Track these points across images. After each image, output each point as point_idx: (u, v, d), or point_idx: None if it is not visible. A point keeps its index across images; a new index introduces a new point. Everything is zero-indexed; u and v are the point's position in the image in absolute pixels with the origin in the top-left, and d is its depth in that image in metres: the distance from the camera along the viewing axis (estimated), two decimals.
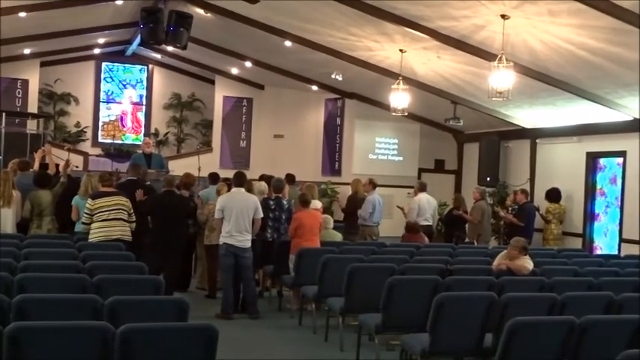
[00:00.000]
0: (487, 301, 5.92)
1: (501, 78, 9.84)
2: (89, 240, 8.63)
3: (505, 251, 8.06)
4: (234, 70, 18.46)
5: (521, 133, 15.40)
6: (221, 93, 19.24)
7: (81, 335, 4.06)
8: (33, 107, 17.72)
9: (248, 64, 16.91)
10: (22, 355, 3.87)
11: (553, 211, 13.33)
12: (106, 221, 8.74)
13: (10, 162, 10.76)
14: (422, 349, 5.86)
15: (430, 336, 5.82)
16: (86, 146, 18.93)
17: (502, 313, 5.79)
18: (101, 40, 17.52)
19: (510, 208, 13.57)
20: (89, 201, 8.90)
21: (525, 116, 14.71)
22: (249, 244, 9.14)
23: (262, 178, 11.94)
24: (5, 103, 17.11)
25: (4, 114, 15.83)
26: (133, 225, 9.00)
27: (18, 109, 17.31)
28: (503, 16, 9.57)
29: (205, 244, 10.48)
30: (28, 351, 3.87)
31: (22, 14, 12.68)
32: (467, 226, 13.41)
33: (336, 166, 18.67)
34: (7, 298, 4.72)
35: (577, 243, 13.50)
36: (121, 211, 8.86)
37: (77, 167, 13.50)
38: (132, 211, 9.00)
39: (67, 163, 10.67)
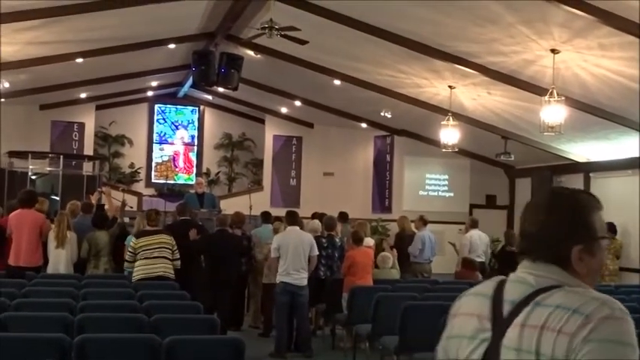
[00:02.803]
0: None
1: (553, 112, 9.77)
2: (132, 278, 8.73)
3: None
4: (284, 110, 18.66)
5: (574, 167, 15.19)
6: (271, 132, 19.45)
7: None
8: (89, 149, 18.17)
9: (297, 103, 17.09)
10: None
11: (609, 246, 13.04)
12: (149, 259, 8.80)
13: (69, 203, 10.99)
14: None
15: None
16: (140, 187, 19.26)
17: None
18: (154, 83, 17.92)
19: None
20: (133, 239, 9.04)
21: (578, 150, 14.52)
22: (305, 282, 9.13)
23: (315, 216, 11.98)
24: (63, 146, 17.63)
25: (61, 157, 16.32)
26: (177, 263, 9.02)
27: (74, 152, 17.78)
28: (553, 51, 9.54)
29: (264, 283, 10.51)
30: None
31: (79, 60, 13.07)
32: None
33: (387, 203, 18.63)
34: (69, 337, 4.82)
35: (635, 279, 13.16)
36: (164, 249, 8.91)
37: (131, 207, 13.76)
38: (175, 248, 9.02)
39: (124, 205, 10.89)
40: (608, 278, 12.83)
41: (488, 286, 1.92)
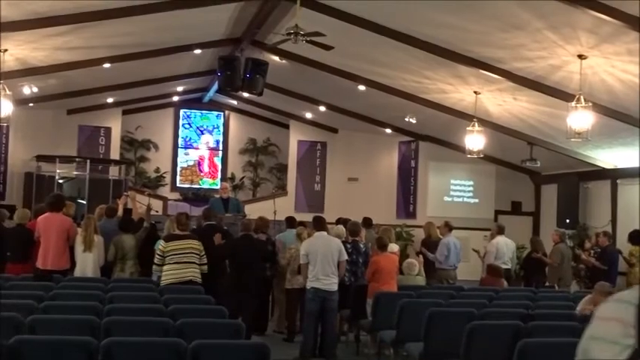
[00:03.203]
0: (572, 349, 5.73)
1: (580, 118, 9.68)
2: (161, 282, 8.76)
3: (590, 296, 7.82)
4: (309, 115, 18.68)
5: (601, 173, 15.02)
6: (295, 137, 19.49)
7: None
8: (115, 154, 18.32)
9: (322, 108, 17.11)
10: None
11: (637, 254, 12.88)
12: (178, 264, 8.82)
13: (98, 207, 11.07)
14: None
15: None
16: (165, 191, 19.40)
17: None
18: (180, 88, 18.04)
19: (593, 251, 13.16)
20: (162, 243, 9.05)
21: (605, 156, 14.36)
22: (335, 287, 9.11)
23: (339, 221, 11.96)
24: (89, 150, 17.80)
25: (88, 161, 16.47)
26: (204, 267, 9.05)
27: (101, 156, 17.94)
28: (580, 56, 9.45)
29: (286, 288, 10.53)
30: None
31: (107, 65, 13.20)
32: (547, 269, 13.08)
33: (411, 208, 18.56)
34: (95, 340, 4.85)
35: None
36: (193, 254, 8.94)
37: (157, 212, 13.83)
38: (203, 253, 9.05)
39: (149, 209, 10.96)
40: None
41: (633, 294, 1.92)
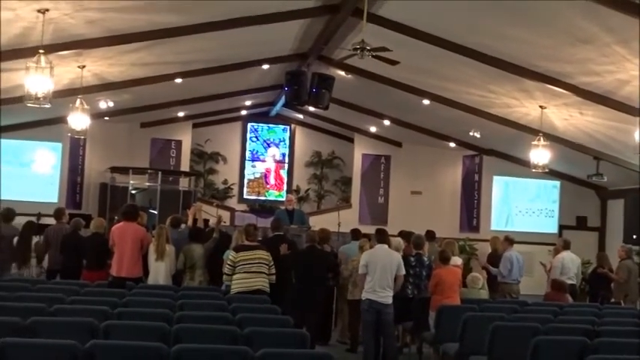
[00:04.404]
0: None
1: None
2: (231, 290, 8.87)
3: None
4: (373, 129, 18.66)
5: None
6: (360, 151, 19.48)
7: None
8: (185, 166, 18.65)
9: (386, 122, 17.09)
10: None
11: None
12: (248, 273, 8.93)
13: (169, 218, 11.29)
14: None
15: None
16: (232, 202, 19.63)
17: None
18: (247, 102, 18.28)
19: None
20: (232, 253, 9.15)
21: None
22: (390, 301, 9.06)
23: (401, 234, 11.91)
24: (161, 162, 18.16)
25: (159, 172, 16.79)
26: (273, 277, 9.13)
27: (172, 168, 18.27)
28: None
29: (348, 299, 10.53)
30: None
31: (178, 80, 13.48)
32: (612, 285, 12.73)
33: (474, 222, 18.36)
34: (166, 346, 4.95)
35: None
36: (262, 264, 9.03)
37: (225, 222, 14.02)
38: (272, 264, 9.15)
39: (219, 220, 11.13)
40: None
41: None
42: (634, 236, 15.04)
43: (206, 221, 11.54)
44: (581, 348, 6.34)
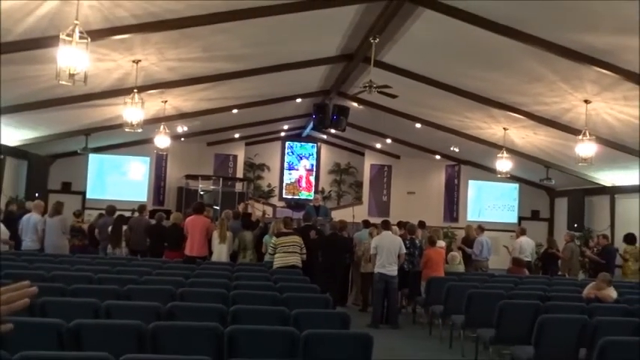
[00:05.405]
0: (580, 323, 5.49)
1: (585, 148, 9.31)
2: (273, 266, 8.82)
3: (593, 283, 7.46)
4: (378, 145, 18.58)
5: (602, 190, 14.36)
6: (369, 162, 19.38)
7: (273, 338, 4.13)
8: (239, 174, 18.64)
9: (388, 140, 17.00)
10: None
11: (630, 251, 12.17)
12: (286, 253, 8.90)
13: (224, 212, 11.27)
14: (527, 358, 5.51)
15: (534, 348, 5.46)
16: (274, 200, 19.60)
17: (593, 333, 5.35)
18: (285, 127, 18.28)
19: (595, 249, 12.55)
20: (274, 238, 9.13)
21: (606, 177, 13.73)
22: (396, 273, 9.04)
23: (400, 223, 11.85)
24: (222, 171, 18.23)
25: (221, 179, 16.86)
26: (304, 256, 9.07)
27: (230, 175, 18.30)
28: (586, 101, 9.12)
29: (361, 272, 10.48)
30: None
31: (235, 111, 13.53)
32: (559, 262, 12.55)
33: (455, 214, 18.19)
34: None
35: None
36: (295, 246, 8.99)
37: (269, 215, 14.02)
38: (303, 246, 9.09)
39: (264, 214, 11.11)
40: (631, 276, 11.99)
41: None
42: (575, 225, 14.86)
43: (249, 214, 11.43)
44: (536, 309, 6.25)
